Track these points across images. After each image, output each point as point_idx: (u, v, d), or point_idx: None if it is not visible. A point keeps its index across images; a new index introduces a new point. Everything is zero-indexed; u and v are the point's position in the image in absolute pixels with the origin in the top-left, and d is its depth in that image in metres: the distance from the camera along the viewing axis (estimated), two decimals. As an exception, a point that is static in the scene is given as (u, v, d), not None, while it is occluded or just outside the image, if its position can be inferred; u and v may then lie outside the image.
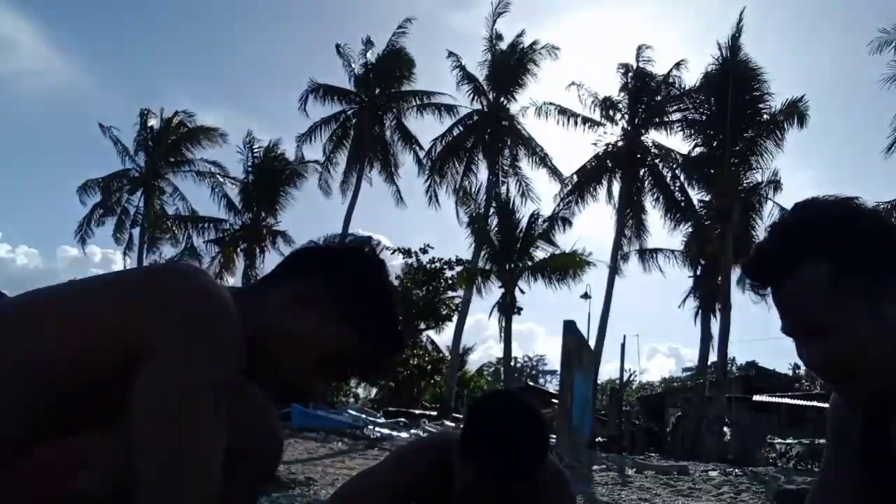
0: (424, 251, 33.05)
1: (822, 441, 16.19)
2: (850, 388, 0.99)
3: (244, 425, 1.10)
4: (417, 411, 26.87)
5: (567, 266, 24.04)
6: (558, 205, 25.42)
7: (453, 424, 17.80)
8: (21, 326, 0.97)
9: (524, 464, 1.56)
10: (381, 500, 1.70)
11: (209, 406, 0.92)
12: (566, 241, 26.64)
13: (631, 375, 35.27)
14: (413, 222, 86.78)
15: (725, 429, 21.26)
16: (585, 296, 25.17)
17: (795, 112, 22.32)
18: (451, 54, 26.97)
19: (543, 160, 26.06)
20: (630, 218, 24.93)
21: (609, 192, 25.46)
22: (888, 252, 0.94)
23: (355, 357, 1.17)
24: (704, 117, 23.78)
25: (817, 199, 1.01)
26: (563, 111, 25.17)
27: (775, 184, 23.07)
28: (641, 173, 25.10)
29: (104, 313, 0.97)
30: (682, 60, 24.55)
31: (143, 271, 1.07)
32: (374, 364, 1.24)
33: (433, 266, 32.44)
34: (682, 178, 24.48)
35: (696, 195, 24.44)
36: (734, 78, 22.02)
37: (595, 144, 25.16)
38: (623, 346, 25.33)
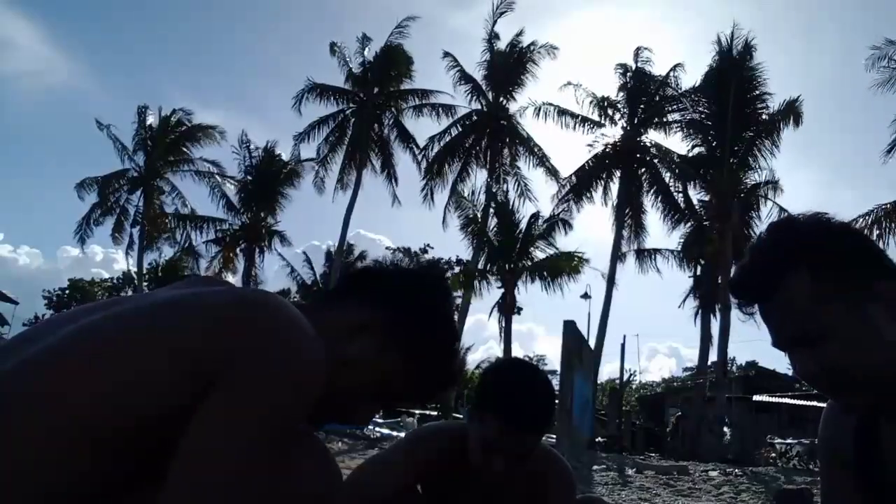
0: (424, 251, 33.08)
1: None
2: (846, 391, 1.02)
3: (302, 489, 1.05)
4: (417, 411, 26.88)
5: (566, 268, 24.09)
6: (557, 205, 25.45)
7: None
8: (71, 373, 0.87)
9: (539, 412, 1.65)
10: (393, 484, 1.72)
11: (258, 448, 0.87)
12: (566, 241, 26.67)
13: (631, 375, 35.34)
14: (413, 222, 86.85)
15: (725, 429, 21.26)
16: (585, 296, 25.23)
17: (793, 112, 22.38)
18: (446, 55, 26.98)
19: (542, 160, 26.06)
20: (629, 218, 24.93)
21: (607, 192, 25.49)
22: (861, 257, 1.00)
23: (407, 388, 1.16)
24: (704, 118, 23.81)
25: (791, 217, 1.08)
26: (562, 112, 25.19)
27: (774, 185, 23.12)
28: (641, 173, 25.11)
29: (178, 345, 0.90)
30: (679, 63, 24.67)
31: (227, 298, 0.98)
32: (425, 396, 1.24)
33: (433, 266, 32.43)
34: (681, 178, 24.49)
35: (696, 195, 24.50)
36: (734, 78, 22.08)
37: (592, 145, 25.18)
38: (623, 346, 25.44)
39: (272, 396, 0.89)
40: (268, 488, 0.91)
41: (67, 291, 42.50)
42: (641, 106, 24.99)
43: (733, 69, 22.57)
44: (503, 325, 25.12)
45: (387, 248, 34.63)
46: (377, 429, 14.72)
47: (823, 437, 1.21)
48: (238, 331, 0.92)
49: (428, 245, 33.24)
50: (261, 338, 0.92)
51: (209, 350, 0.90)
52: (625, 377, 28.31)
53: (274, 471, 0.93)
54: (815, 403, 24.24)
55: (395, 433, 14.19)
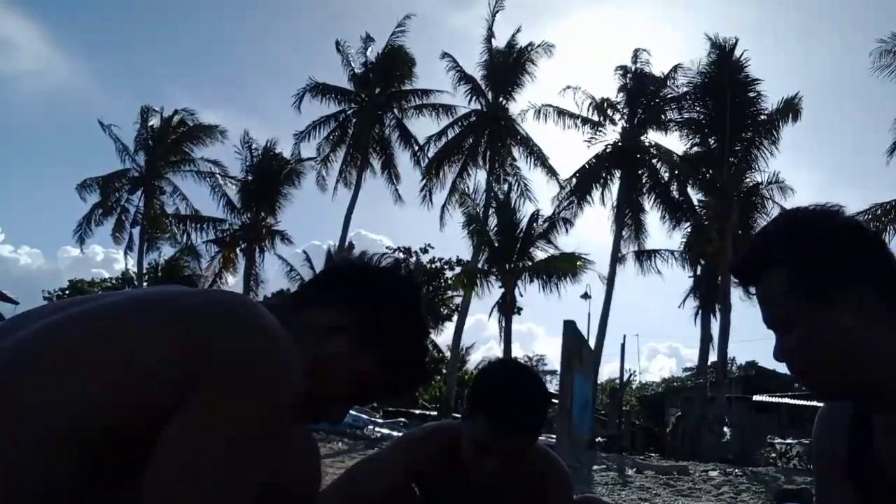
0: (425, 251, 33.07)
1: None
2: (805, 378, 1.12)
3: (284, 468, 1.08)
4: (417, 411, 26.90)
5: (567, 268, 24.09)
6: (557, 206, 25.44)
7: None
8: (51, 370, 0.87)
9: (529, 413, 1.65)
10: (388, 484, 1.71)
11: (243, 452, 0.87)
12: (566, 241, 26.66)
13: (631, 375, 35.31)
14: (414, 222, 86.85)
15: (725, 429, 21.27)
16: (585, 296, 25.23)
17: (790, 110, 22.38)
18: (445, 55, 26.96)
19: (541, 161, 26.05)
20: (629, 218, 24.93)
21: (604, 193, 25.46)
22: (844, 263, 1.06)
23: (379, 384, 1.17)
24: (703, 118, 23.81)
25: (795, 211, 1.15)
26: (561, 113, 25.19)
27: (780, 185, 23.12)
28: (641, 174, 25.10)
29: (152, 349, 0.90)
30: (678, 64, 24.63)
31: (199, 301, 0.98)
32: (397, 392, 1.25)
33: (433, 266, 32.46)
34: (681, 178, 24.49)
35: (696, 195, 24.49)
36: (732, 79, 22.09)
37: (589, 142, 25.18)
38: (623, 346, 25.37)
39: (249, 406, 0.89)
40: (245, 496, 0.91)
41: (67, 292, 42.45)
42: (640, 108, 24.98)
43: (728, 68, 22.58)
44: (503, 325, 25.12)
45: (387, 247, 34.66)
46: (377, 429, 14.74)
47: (817, 438, 1.23)
48: (219, 333, 0.92)
49: (428, 245, 33.30)
50: (240, 342, 0.92)
51: (190, 350, 0.90)
52: (625, 377, 28.31)
53: (252, 476, 0.92)
54: (815, 403, 24.20)
55: (395, 433, 14.19)
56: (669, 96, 24.86)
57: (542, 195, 42.36)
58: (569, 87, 25.38)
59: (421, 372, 1.24)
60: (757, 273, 1.12)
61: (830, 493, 1.19)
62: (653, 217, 25.61)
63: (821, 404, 1.25)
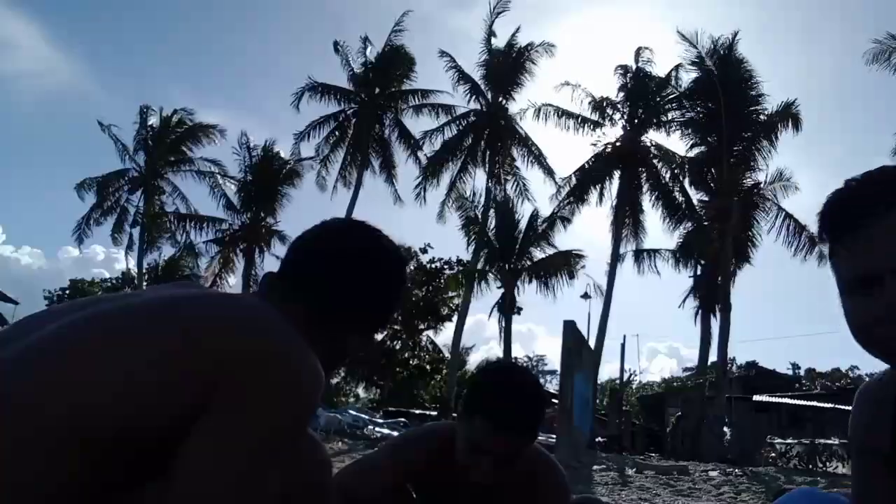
0: (424, 251, 33.06)
1: (821, 441, 16.20)
2: None
3: (295, 479, 1.09)
4: (417, 411, 26.91)
5: (563, 267, 24.11)
6: (557, 205, 25.42)
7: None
8: (56, 373, 0.87)
9: (524, 414, 1.64)
10: (384, 484, 1.71)
11: (262, 465, 0.88)
12: (565, 241, 26.67)
13: (631, 375, 35.30)
14: (414, 222, 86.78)
15: (725, 429, 21.26)
16: (585, 295, 25.22)
17: (789, 115, 22.36)
18: (444, 54, 26.93)
19: (541, 161, 26.04)
20: (628, 218, 24.91)
21: (603, 192, 25.41)
22: None
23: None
24: (703, 118, 23.79)
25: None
26: (561, 112, 25.16)
27: (783, 182, 22.96)
28: (640, 173, 25.08)
29: (160, 353, 0.89)
30: (679, 64, 24.59)
31: (209, 306, 0.99)
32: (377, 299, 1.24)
33: (433, 266, 32.47)
34: (681, 178, 24.48)
35: (696, 195, 24.46)
36: (731, 79, 22.08)
37: (595, 144, 25.17)
38: (623, 346, 25.39)
39: (260, 410, 0.89)
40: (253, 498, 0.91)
41: (68, 292, 42.46)
42: (640, 109, 24.95)
43: (724, 69, 22.57)
44: (503, 325, 25.12)
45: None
46: (377, 429, 14.74)
47: (858, 425, 1.13)
48: (230, 340, 0.92)
49: (428, 245, 33.28)
50: (251, 347, 0.92)
51: (199, 356, 0.90)
52: (625, 377, 28.31)
53: (265, 478, 0.92)
54: (814, 403, 24.28)
55: (395, 433, 14.20)
56: (669, 96, 24.85)
57: (541, 195, 42.49)
58: (567, 84, 25.37)
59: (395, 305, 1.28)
60: (885, 208, 0.95)
61: (870, 482, 1.11)
62: (653, 217, 25.63)
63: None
